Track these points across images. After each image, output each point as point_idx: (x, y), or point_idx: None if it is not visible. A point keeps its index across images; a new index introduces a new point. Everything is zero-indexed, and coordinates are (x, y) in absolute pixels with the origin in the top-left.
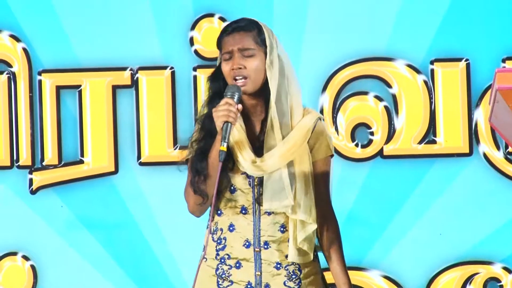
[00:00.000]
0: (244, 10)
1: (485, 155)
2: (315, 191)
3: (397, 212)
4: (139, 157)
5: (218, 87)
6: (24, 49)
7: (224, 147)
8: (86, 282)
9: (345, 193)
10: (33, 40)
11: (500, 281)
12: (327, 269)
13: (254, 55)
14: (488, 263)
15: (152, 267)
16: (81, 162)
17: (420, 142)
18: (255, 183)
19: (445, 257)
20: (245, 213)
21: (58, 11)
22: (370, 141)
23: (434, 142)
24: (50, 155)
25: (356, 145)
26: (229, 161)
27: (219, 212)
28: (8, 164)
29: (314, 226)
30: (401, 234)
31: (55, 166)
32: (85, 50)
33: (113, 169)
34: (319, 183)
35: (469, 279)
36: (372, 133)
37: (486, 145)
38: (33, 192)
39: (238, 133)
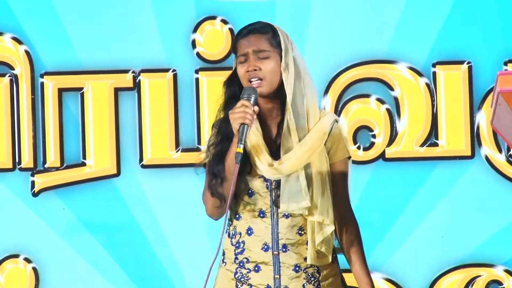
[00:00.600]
0: (246, 13)
1: (487, 158)
2: (333, 193)
3: (399, 214)
4: (141, 159)
5: (234, 91)
6: (26, 52)
7: (240, 149)
8: (88, 284)
9: None
10: (35, 43)
11: (501, 284)
12: (348, 270)
13: (269, 57)
14: (490, 265)
15: (154, 269)
16: (83, 164)
17: (422, 145)
18: (273, 187)
19: (447, 260)
20: (263, 217)
21: (60, 14)
22: (372, 144)
23: (436, 144)
24: (52, 158)
25: (358, 147)
26: (247, 165)
27: (237, 216)
28: (10, 166)
29: (331, 228)
30: (403, 237)
31: (57, 169)
32: (87, 52)
33: (115, 172)
34: (337, 185)
35: (471, 282)
36: (374, 136)
37: (488, 148)
38: (35, 194)
39: (255, 136)
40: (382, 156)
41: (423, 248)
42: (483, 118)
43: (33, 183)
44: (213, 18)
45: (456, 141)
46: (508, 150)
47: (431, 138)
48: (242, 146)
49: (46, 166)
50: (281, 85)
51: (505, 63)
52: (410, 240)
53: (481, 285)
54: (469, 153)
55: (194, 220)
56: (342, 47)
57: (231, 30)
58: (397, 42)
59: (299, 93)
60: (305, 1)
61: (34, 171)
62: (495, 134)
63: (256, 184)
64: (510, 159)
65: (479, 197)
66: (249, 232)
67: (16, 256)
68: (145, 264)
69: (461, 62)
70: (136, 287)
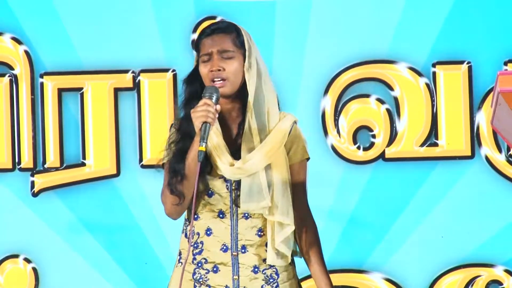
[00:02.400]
0: (246, 13)
1: (487, 158)
2: (293, 194)
3: (399, 214)
4: (141, 159)
5: (195, 89)
6: (26, 52)
7: (203, 147)
8: (88, 284)
9: (347, 196)
10: (35, 43)
11: (501, 284)
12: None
13: (233, 57)
14: (490, 265)
15: (154, 269)
16: (83, 164)
17: (422, 145)
18: (233, 187)
19: (447, 260)
20: (222, 217)
21: (60, 14)
22: (372, 144)
23: (436, 145)
24: (52, 158)
25: (358, 147)
26: (207, 165)
27: (196, 216)
28: (10, 166)
29: (291, 228)
30: (403, 237)
31: (57, 169)
32: (87, 52)
33: (115, 172)
34: (297, 186)
35: (471, 282)
36: (374, 136)
37: (488, 148)
38: (34, 194)
39: (215, 137)
40: (382, 156)
41: (423, 248)
42: (483, 118)
43: (33, 183)
44: (213, 18)
45: (456, 141)
46: (508, 150)
47: (431, 138)
48: (204, 144)
49: (46, 166)
50: (243, 86)
51: (505, 63)
52: (410, 240)
53: (481, 285)
54: (469, 153)
55: None
56: (342, 47)
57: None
58: (397, 42)
59: (260, 93)
60: (305, 1)
61: (34, 171)
62: (495, 134)
63: (217, 185)
64: (510, 159)
65: (479, 197)
66: (208, 232)
67: (16, 256)
68: (145, 264)
69: (461, 62)
70: (136, 287)
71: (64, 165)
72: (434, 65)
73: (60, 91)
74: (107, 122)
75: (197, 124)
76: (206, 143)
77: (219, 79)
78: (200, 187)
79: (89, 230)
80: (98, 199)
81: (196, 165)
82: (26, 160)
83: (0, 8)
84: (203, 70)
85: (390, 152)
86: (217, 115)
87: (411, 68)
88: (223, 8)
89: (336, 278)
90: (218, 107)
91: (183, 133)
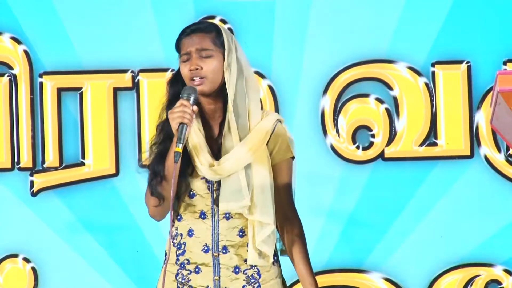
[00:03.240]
0: (245, 12)
1: (486, 158)
2: (276, 193)
3: (398, 214)
4: (140, 159)
5: (177, 90)
6: (25, 51)
7: (179, 149)
8: (87, 284)
9: (346, 195)
10: (34, 42)
11: (501, 283)
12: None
13: (212, 56)
14: (489, 265)
15: (153, 269)
16: (82, 164)
17: (421, 145)
18: (214, 188)
19: (446, 259)
20: (204, 218)
21: (59, 13)
22: (371, 144)
23: (435, 144)
24: (51, 157)
25: (357, 147)
26: (188, 165)
27: (179, 217)
28: (9, 166)
29: (271, 227)
30: (402, 237)
31: (56, 169)
32: (86, 52)
33: (114, 171)
34: (280, 185)
35: (470, 281)
36: (373, 136)
37: (487, 148)
38: (34, 194)
39: (196, 137)
40: (381, 155)
41: (423, 248)
42: (482, 117)
43: (32, 183)
44: (213, 18)
45: (455, 141)
46: (507, 149)
47: (430, 137)
48: (181, 145)
49: (45, 166)
50: (223, 85)
51: (504, 63)
52: (410, 240)
53: (480, 285)
54: (468, 153)
55: None
56: (342, 46)
57: (230, 30)
58: (396, 41)
59: (241, 92)
60: (305, 1)
61: (33, 171)
62: (494, 133)
63: (198, 185)
64: (509, 158)
65: (478, 197)
66: (190, 233)
67: (15, 256)
68: (145, 263)
69: (460, 62)
70: (135, 287)
71: (63, 164)
72: (433, 65)
73: (59, 90)
74: (106, 122)
75: (173, 125)
76: (183, 144)
77: (198, 77)
78: (182, 188)
79: (88, 230)
80: (97, 199)
81: (174, 166)
82: (25, 159)
83: (0, 7)
84: (183, 70)
85: (389, 152)
86: (194, 116)
87: (411, 68)
88: (223, 8)
89: (335, 278)
90: (196, 107)
91: (164, 134)
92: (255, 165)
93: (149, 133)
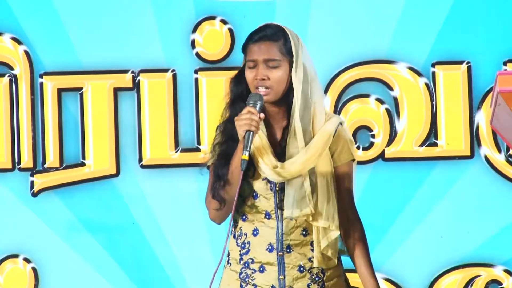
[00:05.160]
0: (246, 13)
1: (486, 158)
2: (338, 196)
3: (398, 214)
4: (140, 159)
5: (240, 90)
6: (26, 52)
7: (246, 156)
8: (87, 284)
9: None
10: (34, 43)
11: (501, 284)
12: (353, 270)
13: (279, 66)
14: (490, 265)
15: (154, 269)
16: (83, 164)
17: (421, 145)
18: (277, 189)
19: (446, 260)
20: (268, 218)
21: (59, 14)
22: (372, 144)
23: (435, 144)
24: (52, 158)
25: (358, 147)
26: (250, 168)
27: (244, 217)
28: (10, 166)
29: (336, 233)
30: (402, 237)
31: (56, 169)
32: (86, 52)
33: (114, 172)
34: (342, 188)
35: (470, 282)
36: (373, 136)
37: (487, 148)
38: (34, 194)
39: (259, 138)
40: (381, 156)
41: (423, 248)
42: (482, 118)
43: (32, 183)
44: (213, 18)
45: (456, 141)
46: (508, 150)
47: (431, 138)
48: (247, 153)
49: (45, 166)
50: (288, 90)
51: (505, 63)
52: (410, 240)
53: (481, 285)
54: (468, 153)
55: (193, 220)
56: (342, 47)
57: (230, 30)
58: (396, 42)
59: (306, 97)
60: (305, 1)
61: (33, 171)
62: (494, 134)
63: (260, 187)
64: (509, 159)
65: (479, 197)
66: (255, 233)
67: (16, 256)
68: (145, 264)
69: (461, 62)
70: (136, 287)
71: (64, 165)
72: (433, 65)
73: (60, 91)
74: (106, 122)
75: (240, 132)
76: (249, 152)
77: (264, 87)
78: (246, 190)
79: (88, 230)
80: (97, 199)
81: (239, 172)
82: (26, 160)
83: (0, 8)
84: (249, 75)
85: (389, 152)
86: (261, 123)
87: (411, 68)
88: (223, 8)
89: None
90: (262, 115)
91: (227, 135)
92: (319, 169)
93: (149, 133)
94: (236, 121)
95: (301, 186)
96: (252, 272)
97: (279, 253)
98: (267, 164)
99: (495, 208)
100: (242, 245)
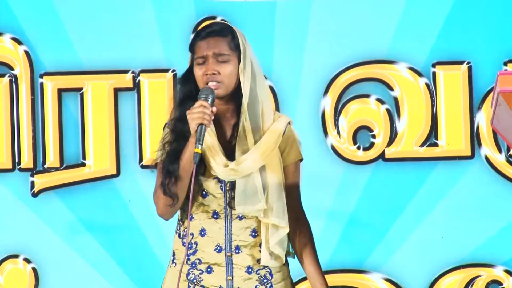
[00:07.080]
0: (246, 13)
1: (487, 158)
2: (287, 195)
3: (398, 215)
4: (140, 159)
5: (190, 89)
6: (26, 52)
7: (199, 149)
8: (87, 284)
9: (347, 196)
10: (34, 43)
11: (501, 284)
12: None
13: (229, 61)
14: (490, 265)
15: (154, 269)
16: (83, 165)
17: (422, 145)
18: (227, 188)
19: (447, 260)
20: (216, 218)
21: (60, 14)
22: (372, 144)
23: (436, 145)
24: (52, 158)
25: (358, 148)
26: (201, 166)
27: (190, 216)
28: (10, 166)
29: (286, 230)
30: (403, 237)
31: (56, 169)
32: (87, 52)
33: (114, 172)
34: (291, 187)
35: (470, 282)
36: (374, 136)
37: (488, 148)
38: (34, 194)
39: (210, 138)
40: (381, 156)
41: (423, 248)
42: (483, 118)
43: (32, 183)
44: (213, 18)
45: (456, 141)
46: (508, 150)
47: (431, 138)
48: (200, 146)
49: (45, 166)
50: (237, 87)
51: (505, 63)
52: (410, 241)
53: (481, 285)
54: (469, 153)
55: None
56: (342, 47)
57: None
58: (397, 42)
59: (255, 94)
60: (305, 1)
61: (33, 171)
62: (495, 134)
63: (210, 185)
64: (510, 159)
65: (479, 197)
66: (202, 233)
67: (16, 256)
68: (145, 264)
69: (461, 62)
70: (136, 287)
71: (64, 165)
72: (434, 65)
73: (60, 91)
74: (107, 122)
75: (193, 126)
76: (202, 145)
77: (214, 82)
78: (195, 189)
79: (89, 230)
80: (98, 199)
81: (191, 166)
82: (26, 160)
83: (0, 8)
84: (198, 72)
85: (390, 152)
86: (212, 117)
87: (411, 68)
88: (223, 8)
89: (335, 278)
90: (214, 109)
91: (178, 133)
92: (269, 167)
93: (149, 134)
94: (188, 115)
95: (252, 183)
96: (200, 273)
97: (228, 254)
98: (218, 163)
99: (495, 208)
100: (189, 245)
